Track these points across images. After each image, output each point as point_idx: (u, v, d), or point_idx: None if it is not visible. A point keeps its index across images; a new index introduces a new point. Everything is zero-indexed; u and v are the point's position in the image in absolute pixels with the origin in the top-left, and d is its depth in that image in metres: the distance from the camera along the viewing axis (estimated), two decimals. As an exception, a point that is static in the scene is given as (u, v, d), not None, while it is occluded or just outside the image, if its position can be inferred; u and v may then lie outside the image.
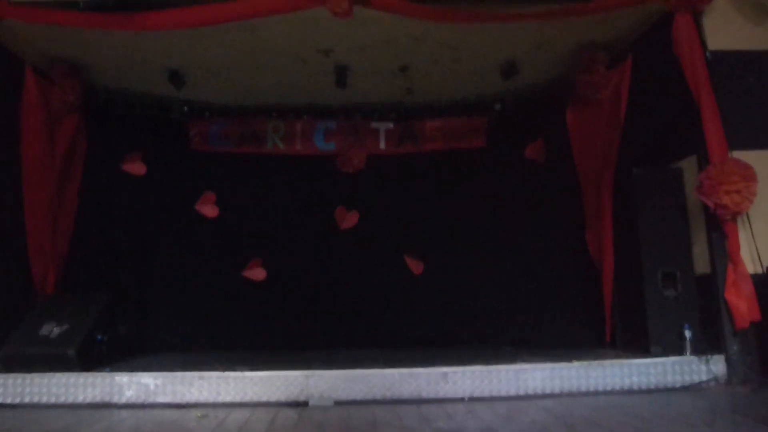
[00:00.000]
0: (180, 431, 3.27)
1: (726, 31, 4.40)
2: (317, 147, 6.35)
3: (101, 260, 5.62)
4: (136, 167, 5.93)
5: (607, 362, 4.07)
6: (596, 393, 3.96)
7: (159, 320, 5.83)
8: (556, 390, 3.97)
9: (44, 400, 3.90)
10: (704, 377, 4.04)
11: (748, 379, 3.98)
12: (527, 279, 5.83)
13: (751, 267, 4.08)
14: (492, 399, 3.90)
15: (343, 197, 6.26)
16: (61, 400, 3.90)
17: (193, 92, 5.83)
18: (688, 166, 4.50)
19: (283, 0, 4.21)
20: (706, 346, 4.17)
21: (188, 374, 3.97)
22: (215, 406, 3.85)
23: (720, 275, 4.12)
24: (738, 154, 4.13)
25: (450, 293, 6.03)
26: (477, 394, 3.93)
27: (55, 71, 5.19)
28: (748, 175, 4.03)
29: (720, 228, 4.14)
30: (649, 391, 3.98)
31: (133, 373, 3.98)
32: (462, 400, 3.90)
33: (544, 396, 3.93)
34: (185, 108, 6.09)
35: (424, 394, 3.92)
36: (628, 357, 4.24)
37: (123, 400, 3.90)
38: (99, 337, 4.47)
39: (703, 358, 4.07)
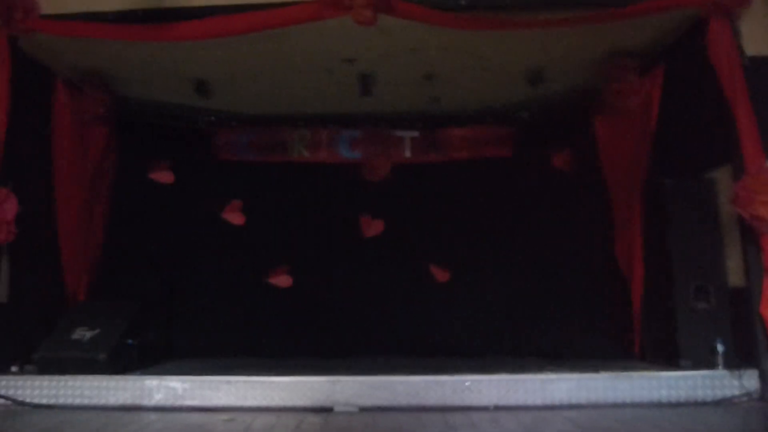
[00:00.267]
0: (207, 434, 3.32)
1: (764, 35, 4.28)
2: (342, 156, 6.39)
3: (131, 268, 5.74)
4: (164, 176, 6.03)
5: (635, 374, 4.01)
6: (623, 405, 3.89)
7: (187, 326, 5.88)
8: (583, 401, 3.91)
9: (77, 401, 4.00)
10: (736, 392, 3.93)
11: (784, 396, 3.87)
12: (554, 289, 5.76)
13: (788, 281, 3.96)
14: (517, 408, 3.86)
15: (368, 206, 6.26)
16: (93, 402, 3.99)
17: (220, 102, 5.90)
18: (721, 176, 4.40)
19: (308, 9, 4.23)
20: (738, 360, 4.07)
21: (215, 378, 4.02)
22: (241, 410, 3.88)
23: (755, 289, 4.01)
24: (775, 164, 4.02)
25: (476, 302, 5.99)
26: (502, 403, 3.90)
27: (86, 84, 5.31)
28: (785, 186, 3.92)
29: (756, 240, 4.03)
30: (678, 405, 3.89)
31: (162, 377, 4.06)
32: (487, 408, 3.87)
33: (570, 407, 3.88)
34: (212, 117, 6.18)
35: (449, 402, 3.91)
36: (656, 370, 4.17)
37: (152, 403, 3.97)
38: (129, 341, 4.57)
39: (736, 372, 3.97)
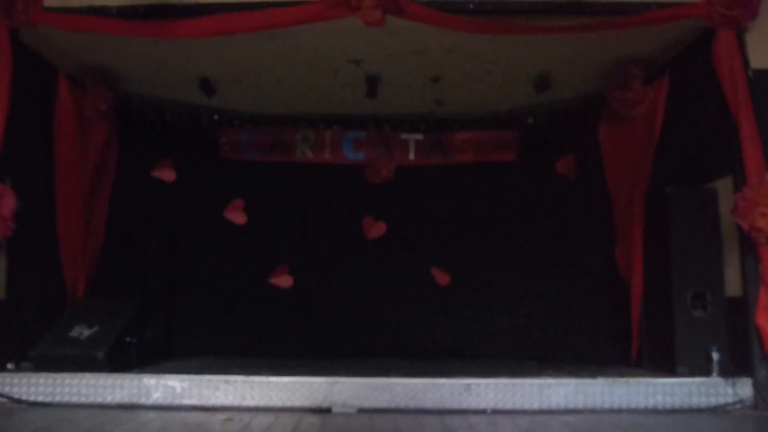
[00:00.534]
0: (205, 433, 3.33)
1: None
2: (346, 157, 6.40)
3: (131, 266, 5.74)
4: (166, 173, 5.99)
5: (632, 380, 4.03)
6: (620, 411, 3.91)
7: (186, 325, 5.90)
8: (580, 406, 3.93)
9: (74, 399, 3.97)
10: (730, 399, 3.96)
11: (777, 404, 3.90)
12: (554, 294, 5.80)
13: (784, 291, 3.99)
14: (515, 412, 3.88)
15: (371, 207, 6.28)
16: (90, 400, 3.97)
17: (224, 100, 5.90)
18: (723, 186, 4.42)
19: (314, 9, 4.22)
20: (733, 368, 4.10)
21: (214, 378, 4.02)
22: (240, 410, 3.90)
23: (752, 298, 4.04)
24: (776, 177, 4.04)
25: (476, 306, 6.01)
26: (500, 406, 3.91)
27: (89, 79, 5.28)
28: (785, 198, 3.94)
29: (754, 251, 4.06)
30: (673, 411, 3.92)
31: (161, 376, 4.05)
32: (485, 412, 3.89)
33: (568, 411, 3.89)
34: (215, 116, 6.17)
35: (447, 405, 3.92)
36: (653, 376, 4.20)
37: (150, 402, 3.97)
38: (128, 339, 4.56)
39: (730, 380, 4.00)
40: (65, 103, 5.11)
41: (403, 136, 6.38)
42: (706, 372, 4.11)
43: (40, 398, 3.98)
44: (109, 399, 3.98)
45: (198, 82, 5.52)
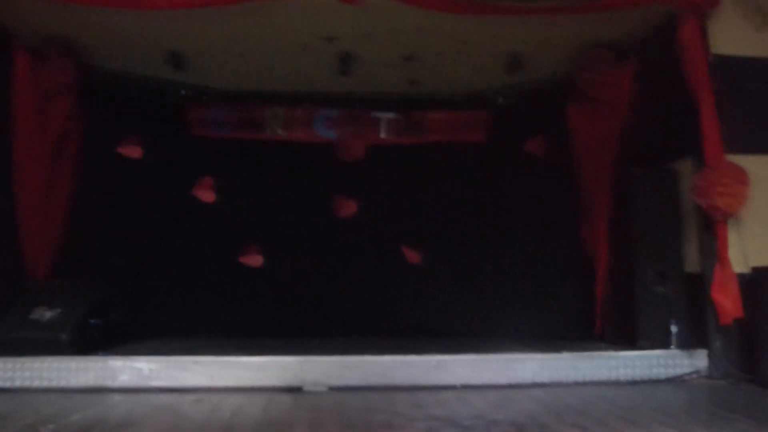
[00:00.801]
0: (174, 416, 3.31)
1: (730, 36, 4.43)
2: (317, 134, 6.34)
3: (97, 245, 5.59)
4: (132, 150, 5.85)
5: (596, 354, 4.18)
6: (584, 383, 4.06)
7: (154, 305, 5.82)
8: (546, 380, 4.06)
9: (36, 384, 3.88)
10: (687, 370, 4.15)
11: (729, 374, 4.10)
12: (522, 271, 5.91)
13: (738, 267, 4.16)
14: (484, 387, 3.98)
15: (342, 186, 6.26)
16: (54, 384, 3.89)
17: (192, 76, 5.77)
18: (683, 167, 4.55)
19: None
20: (691, 341, 4.27)
21: (183, 359, 4.01)
22: (210, 390, 3.88)
23: (708, 274, 4.20)
24: (733, 158, 4.19)
25: (445, 284, 6.09)
26: (469, 382, 4.01)
27: (49, 50, 5.07)
28: (741, 178, 4.10)
29: (711, 229, 4.21)
30: (634, 383, 4.09)
31: (127, 358, 4.01)
32: (454, 387, 3.97)
33: (535, 385, 4.02)
34: (183, 91, 6.03)
35: (418, 381, 4.00)
36: (615, 350, 4.34)
37: (117, 385, 3.91)
38: (92, 321, 4.45)
39: (687, 352, 4.19)
40: (23, 75, 4.93)
41: (375, 114, 6.37)
42: (665, 345, 4.29)
43: (0, 383, 3.85)
44: (73, 382, 3.90)
45: (166, 55, 5.36)
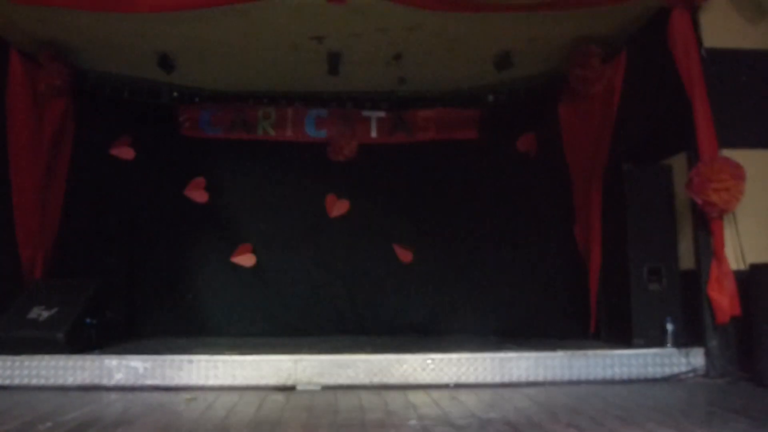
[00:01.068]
0: (169, 414, 3.31)
1: (722, 29, 4.40)
2: (308, 134, 6.34)
3: (90, 245, 5.60)
4: (125, 152, 5.89)
5: (590, 352, 4.15)
6: (579, 382, 4.04)
7: (148, 305, 5.82)
8: (540, 378, 4.04)
9: (33, 382, 3.93)
10: (683, 369, 4.13)
11: (726, 372, 4.07)
12: (514, 269, 5.88)
13: (735, 264, 4.14)
14: (477, 386, 3.97)
15: (334, 185, 6.26)
16: (51, 382, 3.93)
17: (183, 77, 5.79)
18: (677, 163, 4.53)
19: None
20: (687, 339, 4.26)
21: (177, 358, 4.01)
22: (204, 389, 3.90)
23: (704, 271, 4.18)
24: (728, 153, 4.16)
25: (438, 282, 6.08)
26: (462, 380, 4.00)
27: (42, 54, 5.13)
28: (737, 173, 4.06)
29: (706, 225, 4.19)
30: (630, 382, 4.07)
31: (122, 356, 4.02)
32: (447, 386, 3.97)
33: (528, 384, 4.01)
34: (174, 93, 6.07)
35: (411, 380, 3.99)
36: (610, 348, 4.32)
37: (112, 383, 3.94)
38: (87, 320, 4.48)
39: (683, 350, 4.17)
40: (18, 79, 4.97)
41: (366, 113, 6.35)
42: (660, 343, 4.27)
43: (-2, 381, 3.90)
44: (69, 381, 3.94)
45: (157, 58, 5.40)
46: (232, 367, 3.98)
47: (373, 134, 6.36)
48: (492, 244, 6.04)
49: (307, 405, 3.47)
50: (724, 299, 4.06)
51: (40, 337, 4.16)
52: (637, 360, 4.13)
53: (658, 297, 4.44)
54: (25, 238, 5.03)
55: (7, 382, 3.91)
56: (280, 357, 4.03)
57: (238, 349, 4.27)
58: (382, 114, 6.36)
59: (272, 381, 3.96)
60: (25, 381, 3.92)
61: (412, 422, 3.01)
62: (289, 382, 3.96)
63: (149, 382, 3.94)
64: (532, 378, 4.04)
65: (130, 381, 3.94)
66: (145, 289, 5.88)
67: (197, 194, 6.11)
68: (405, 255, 6.19)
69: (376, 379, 3.98)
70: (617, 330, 4.69)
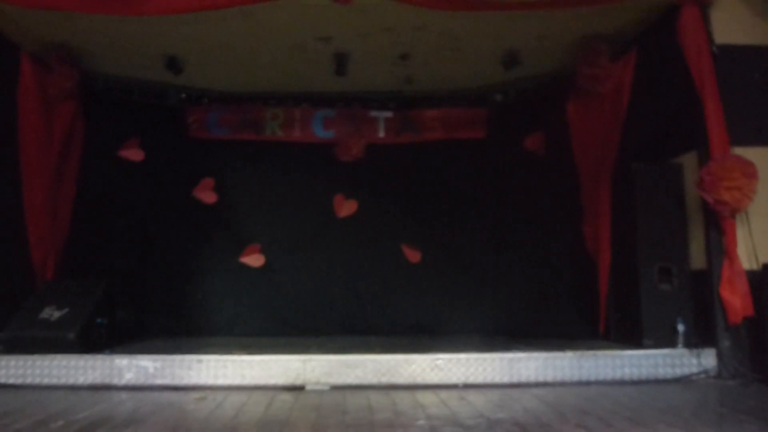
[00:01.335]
0: (178, 413, 3.32)
1: (733, 25, 4.34)
2: (316, 135, 6.36)
3: (100, 246, 5.65)
4: (134, 153, 5.94)
5: (600, 353, 4.13)
6: (588, 383, 4.02)
7: (157, 305, 5.86)
8: (549, 379, 4.03)
9: (45, 381, 3.97)
10: (695, 370, 4.09)
11: (738, 373, 4.03)
12: (524, 270, 5.86)
13: (746, 263, 4.10)
14: (485, 386, 3.96)
15: (342, 185, 6.28)
16: (62, 381, 3.97)
17: (191, 79, 5.82)
18: (688, 161, 4.50)
19: None
20: (698, 340, 4.22)
21: (187, 357, 4.03)
22: (213, 388, 3.91)
23: (715, 271, 4.14)
24: (739, 151, 4.12)
25: (446, 282, 6.07)
26: (471, 381, 3.99)
27: (52, 57, 5.17)
28: (749, 172, 4.02)
29: (718, 224, 4.15)
30: (640, 383, 4.04)
31: (133, 356, 4.05)
32: (456, 386, 3.96)
33: (537, 384, 3.99)
34: (183, 95, 6.11)
35: (419, 380, 3.99)
36: (620, 348, 4.30)
37: (122, 383, 3.97)
38: (98, 320, 4.53)
39: (695, 351, 4.13)
40: (28, 82, 5.01)
41: (373, 113, 6.37)
42: (671, 344, 4.23)
43: (11, 380, 3.96)
44: (81, 380, 3.97)
45: (165, 60, 5.43)
46: (241, 366, 4.00)
47: (381, 134, 6.37)
48: (500, 243, 6.03)
49: (316, 405, 3.47)
50: (736, 299, 4.02)
51: (52, 336, 4.21)
52: (647, 360, 4.10)
53: (669, 297, 4.41)
54: (37, 239, 5.07)
55: (20, 381, 3.96)
56: (288, 357, 4.04)
57: (247, 349, 4.29)
58: (389, 114, 6.37)
59: (281, 381, 3.97)
60: (37, 380, 3.97)
61: (421, 422, 3.01)
62: (298, 382, 3.96)
63: (159, 381, 3.97)
64: (541, 378, 4.02)
65: (140, 380, 3.97)
66: (155, 290, 5.92)
67: (206, 195, 6.15)
68: (413, 255, 6.20)
69: (385, 379, 3.98)
70: (627, 330, 4.65)
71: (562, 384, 4.00)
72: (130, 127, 5.98)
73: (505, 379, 4.00)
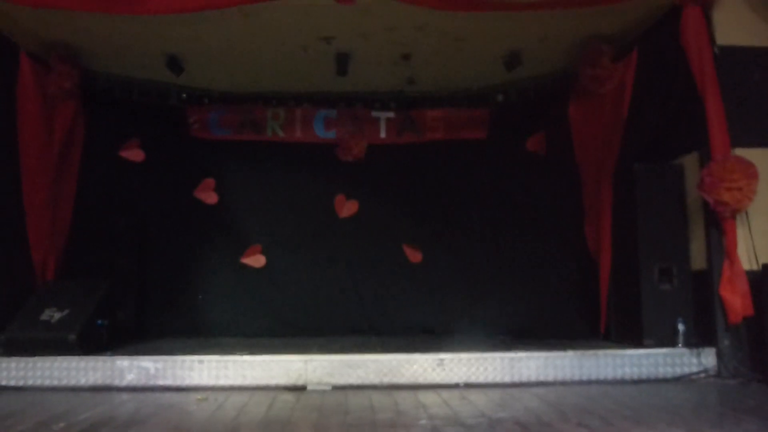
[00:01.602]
0: (180, 414, 3.33)
1: (735, 26, 4.34)
2: (317, 135, 6.36)
3: (101, 247, 5.64)
4: (134, 154, 5.94)
5: (601, 352, 4.14)
6: (589, 382, 4.03)
7: (158, 306, 5.86)
8: (550, 378, 4.04)
9: (46, 383, 3.97)
10: (695, 369, 4.10)
11: (738, 373, 4.04)
12: (525, 270, 5.88)
13: (747, 264, 4.11)
14: (487, 386, 3.97)
15: (343, 186, 6.28)
16: (63, 383, 3.97)
17: (192, 79, 5.82)
18: (689, 162, 4.51)
19: None
20: (698, 339, 4.24)
21: (188, 358, 4.03)
22: (215, 389, 3.92)
23: (716, 271, 4.15)
24: (741, 152, 4.13)
25: (447, 283, 6.08)
26: (472, 380, 4.00)
27: (52, 57, 5.16)
28: (750, 172, 4.03)
29: (718, 225, 4.16)
30: (640, 382, 4.05)
31: (134, 357, 4.05)
32: (457, 386, 3.97)
33: (538, 384, 4.00)
34: (184, 94, 6.10)
35: (420, 380, 4.00)
36: (621, 348, 4.30)
37: (124, 384, 3.97)
38: (99, 322, 4.52)
39: (695, 350, 4.14)
40: (28, 82, 4.99)
41: (374, 114, 6.36)
42: (672, 343, 4.24)
43: (12, 382, 3.96)
44: (82, 381, 3.98)
45: (165, 60, 5.42)
46: (243, 367, 4.00)
47: (382, 134, 6.37)
48: (501, 244, 6.03)
49: (318, 405, 3.48)
50: (736, 299, 4.04)
51: (53, 338, 4.20)
52: (647, 360, 4.11)
53: (670, 297, 4.42)
54: (37, 240, 5.07)
55: (21, 383, 3.96)
56: (290, 357, 4.04)
57: (248, 350, 4.28)
58: (391, 114, 6.37)
59: (282, 381, 3.97)
60: (38, 382, 3.97)
61: (423, 422, 3.01)
62: (300, 382, 3.97)
63: (160, 382, 3.97)
64: (542, 378, 4.03)
65: (142, 381, 3.97)
66: (156, 290, 5.91)
67: (207, 195, 6.15)
68: (414, 255, 6.20)
69: (386, 379, 3.99)
70: (628, 330, 4.66)
71: (563, 383, 4.01)
72: (131, 127, 5.98)
73: (507, 379, 4.01)
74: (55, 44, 5.12)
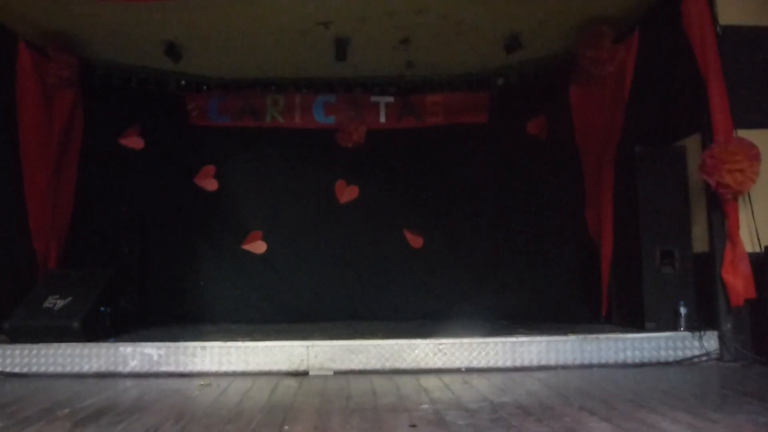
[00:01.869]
0: (183, 400, 3.35)
1: (738, 5, 4.28)
2: (317, 121, 6.34)
3: (102, 235, 5.67)
4: (134, 141, 5.92)
5: (602, 336, 4.14)
6: (591, 366, 4.04)
7: (160, 293, 5.88)
8: (552, 362, 4.05)
9: (50, 369, 4.00)
10: (697, 352, 4.11)
11: (740, 356, 4.04)
12: (526, 254, 5.88)
13: (749, 246, 4.09)
14: (488, 370, 3.98)
15: (344, 171, 6.27)
16: (67, 369, 4.01)
17: (191, 66, 5.79)
18: (691, 144, 4.47)
19: None
20: (700, 322, 4.23)
21: (191, 344, 4.05)
22: (217, 375, 3.94)
23: (718, 254, 4.13)
24: (743, 133, 4.09)
25: (449, 267, 6.08)
26: (474, 365, 4.01)
27: (50, 46, 5.14)
28: (752, 154, 3.99)
29: (720, 207, 4.13)
30: (642, 365, 4.06)
31: (137, 344, 4.07)
32: (459, 371, 3.98)
33: (540, 368, 4.01)
34: (182, 82, 6.08)
35: (422, 365, 4.01)
36: (623, 332, 4.30)
37: (127, 370, 4.00)
38: (102, 309, 4.54)
39: (697, 334, 4.14)
40: (26, 71, 4.97)
41: (374, 98, 6.33)
42: (673, 326, 4.25)
43: (17, 369, 3.99)
44: (86, 368, 4.01)
45: (164, 47, 5.38)
46: (245, 353, 4.02)
47: (382, 119, 6.34)
48: (502, 228, 6.02)
49: (320, 390, 3.50)
50: (738, 282, 4.03)
51: (56, 325, 4.22)
52: (649, 343, 4.11)
53: (671, 280, 4.41)
54: (39, 229, 5.08)
55: (25, 370, 3.99)
56: (292, 343, 4.06)
57: (250, 336, 4.30)
58: (390, 99, 6.33)
59: (285, 367, 4.00)
60: (43, 369, 4.00)
61: (425, 406, 3.03)
62: (302, 368, 3.99)
63: (163, 368, 3.99)
64: (543, 362, 4.04)
65: (145, 368, 4.00)
66: (157, 277, 5.93)
67: (207, 182, 6.15)
68: (415, 240, 6.20)
69: (388, 364, 4.01)
70: (629, 314, 4.66)
71: (565, 367, 4.03)
72: (130, 114, 5.96)
73: (508, 363, 4.02)
74: (53, 33, 5.10)
